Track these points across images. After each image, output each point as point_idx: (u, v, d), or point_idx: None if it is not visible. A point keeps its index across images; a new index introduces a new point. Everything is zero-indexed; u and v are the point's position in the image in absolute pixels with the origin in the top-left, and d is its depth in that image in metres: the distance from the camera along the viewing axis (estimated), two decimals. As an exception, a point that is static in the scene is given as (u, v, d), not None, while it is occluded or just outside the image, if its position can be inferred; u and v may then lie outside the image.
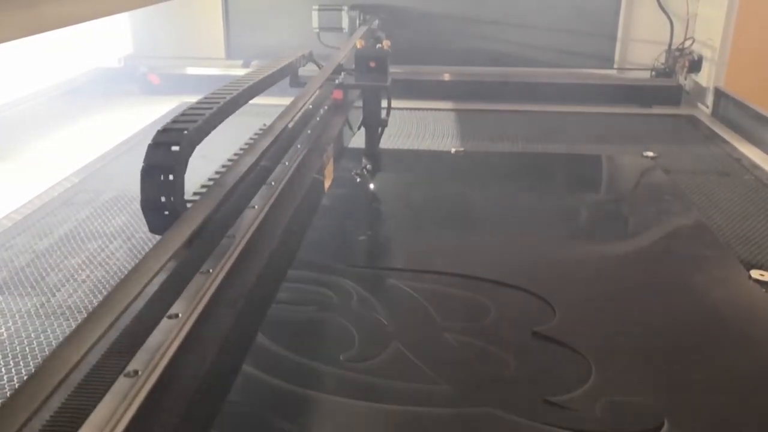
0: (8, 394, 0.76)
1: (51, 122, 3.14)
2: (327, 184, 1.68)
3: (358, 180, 2.26)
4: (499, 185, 2.42)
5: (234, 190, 1.19)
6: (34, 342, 1.42)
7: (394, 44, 3.36)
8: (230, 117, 1.35)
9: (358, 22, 3.53)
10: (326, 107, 1.95)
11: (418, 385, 1.29)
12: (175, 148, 1.07)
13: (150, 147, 1.07)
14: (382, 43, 2.62)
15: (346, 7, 3.58)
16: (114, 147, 2.69)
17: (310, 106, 1.90)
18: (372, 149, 2.30)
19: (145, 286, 0.85)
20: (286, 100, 1.70)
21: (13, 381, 1.31)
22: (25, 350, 1.39)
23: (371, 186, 2.26)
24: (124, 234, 1.93)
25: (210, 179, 1.23)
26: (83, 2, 1.22)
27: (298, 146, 1.56)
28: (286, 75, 1.87)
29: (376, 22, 3.46)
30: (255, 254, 1.11)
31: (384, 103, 2.20)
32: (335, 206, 2.13)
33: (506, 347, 1.40)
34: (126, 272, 0.88)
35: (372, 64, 2.06)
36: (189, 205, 1.11)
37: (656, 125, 3.24)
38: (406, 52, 3.64)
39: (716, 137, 2.97)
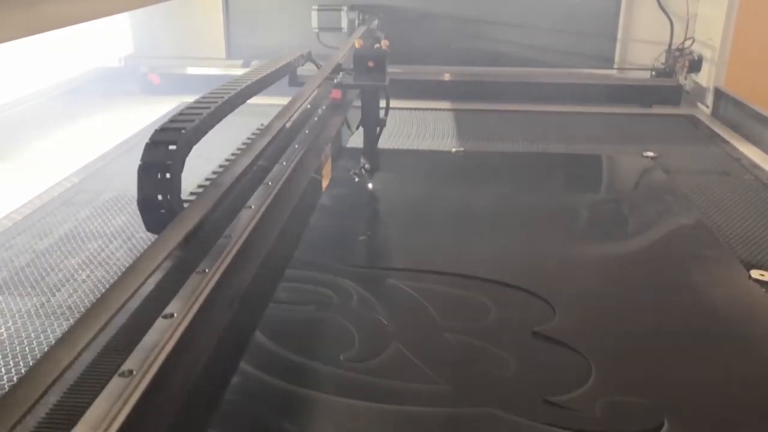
0: (7, 395, 0.76)
1: (51, 122, 3.14)
2: (325, 183, 1.68)
3: (357, 179, 2.26)
4: (499, 185, 2.42)
5: (231, 189, 1.19)
6: (34, 342, 1.42)
7: (394, 44, 3.35)
8: (229, 117, 1.35)
9: (357, 22, 3.53)
10: (324, 107, 1.94)
11: (418, 385, 1.29)
12: (172, 147, 1.07)
13: (147, 146, 1.08)
14: (380, 43, 2.62)
15: (345, 8, 3.58)
16: (114, 147, 2.69)
17: (309, 106, 1.90)
18: (370, 149, 2.30)
19: (140, 286, 0.85)
20: (286, 100, 1.71)
21: (13, 381, 1.31)
22: (25, 350, 1.39)
23: (369, 185, 2.26)
24: (124, 234, 1.93)
25: (207, 179, 1.23)
26: (83, 2, 1.22)
27: (296, 146, 1.56)
28: (285, 75, 1.87)
29: (375, 22, 3.46)
30: (251, 254, 1.11)
31: (382, 103, 2.20)
32: (336, 206, 2.13)
33: (506, 347, 1.40)
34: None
35: (370, 64, 2.06)
36: (186, 204, 1.11)
37: (656, 125, 3.24)
38: (407, 52, 3.64)
39: (716, 137, 2.97)
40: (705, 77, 3.41)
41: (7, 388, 1.27)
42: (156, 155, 1.06)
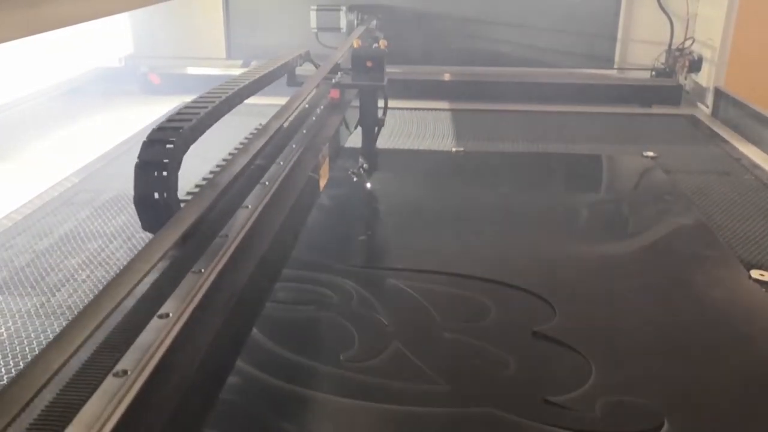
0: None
1: (51, 122, 3.14)
2: (322, 183, 1.67)
3: (355, 179, 2.26)
4: (499, 185, 2.42)
5: (228, 189, 1.19)
6: (34, 342, 1.42)
7: (394, 45, 3.36)
8: (228, 117, 1.35)
9: (356, 22, 3.54)
10: (323, 107, 1.94)
11: (418, 385, 1.29)
12: (169, 145, 1.07)
13: (144, 144, 1.08)
14: (378, 43, 2.62)
15: (344, 8, 3.58)
16: (114, 147, 2.70)
17: (307, 106, 1.90)
18: (369, 148, 2.30)
19: (135, 285, 0.84)
20: (284, 100, 1.70)
21: (13, 381, 1.31)
22: (25, 350, 1.39)
23: (368, 185, 2.26)
24: (124, 234, 1.93)
25: (204, 179, 1.23)
26: (83, 2, 1.22)
27: (293, 146, 1.56)
28: (283, 74, 1.87)
29: (374, 22, 3.46)
30: (248, 254, 1.10)
31: (381, 103, 2.20)
32: (336, 206, 2.13)
33: (506, 347, 1.40)
34: (125, 272, 0.88)
35: (369, 64, 2.06)
36: (182, 204, 1.11)
37: (656, 125, 3.24)
38: (407, 52, 3.65)
39: (716, 137, 2.97)
40: (705, 77, 3.41)
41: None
42: (153, 153, 1.06)
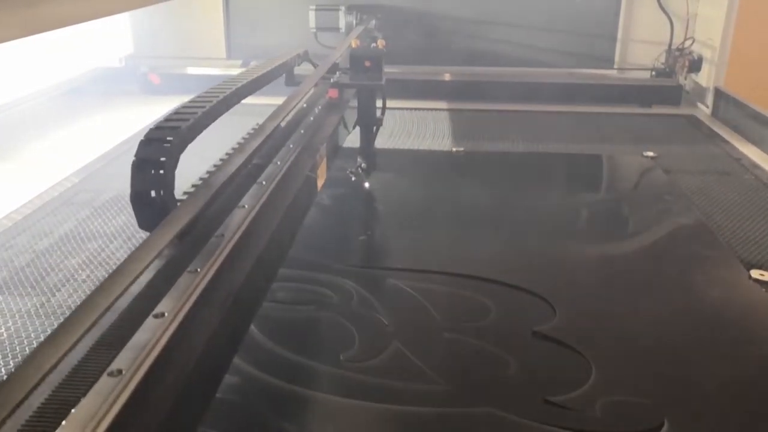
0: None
1: (51, 122, 3.15)
2: (320, 183, 1.67)
3: (353, 179, 2.26)
4: (499, 185, 2.42)
5: (224, 189, 1.19)
6: (34, 342, 1.42)
7: (394, 45, 3.35)
8: (227, 117, 1.35)
9: (354, 22, 3.54)
10: (321, 106, 1.94)
11: (418, 385, 1.29)
12: (166, 144, 1.07)
13: (141, 142, 1.08)
14: (377, 43, 2.62)
15: (343, 8, 3.58)
16: (114, 147, 2.70)
17: (305, 105, 1.90)
18: (367, 148, 2.30)
19: (130, 284, 0.84)
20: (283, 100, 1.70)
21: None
22: (25, 350, 1.39)
23: (366, 184, 2.26)
24: (124, 234, 1.93)
25: (201, 178, 1.23)
26: (83, 2, 1.22)
27: (291, 146, 1.56)
28: (281, 74, 1.87)
29: (373, 22, 3.46)
30: (244, 254, 1.10)
31: (379, 103, 2.20)
32: (336, 206, 2.13)
33: (506, 347, 1.40)
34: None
35: (367, 64, 2.06)
36: (179, 204, 1.11)
37: (656, 125, 3.24)
38: (407, 52, 3.65)
39: (716, 137, 2.97)
40: (705, 77, 3.41)
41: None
42: (150, 151, 1.06)
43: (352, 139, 2.26)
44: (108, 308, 0.79)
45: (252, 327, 1.44)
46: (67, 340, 0.72)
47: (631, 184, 2.55)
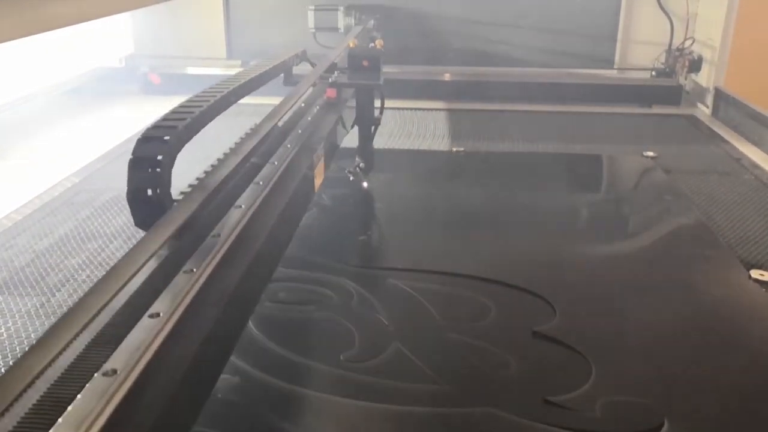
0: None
1: (52, 122, 3.15)
2: (318, 183, 1.67)
3: (351, 178, 2.26)
4: (499, 185, 2.42)
5: (220, 189, 1.18)
6: (34, 342, 1.42)
7: (395, 45, 3.36)
8: (226, 117, 1.35)
9: (353, 22, 3.54)
10: (318, 106, 1.94)
11: (418, 385, 1.29)
12: (163, 142, 1.07)
13: (139, 141, 1.08)
14: (375, 43, 2.62)
15: (342, 8, 3.58)
16: (114, 147, 2.70)
17: (302, 105, 1.90)
18: (365, 148, 2.30)
19: (125, 284, 0.84)
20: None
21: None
22: (25, 350, 1.39)
23: (364, 184, 2.26)
24: (124, 234, 1.93)
25: (197, 178, 1.23)
26: (83, 2, 1.22)
27: (288, 145, 1.55)
28: (279, 74, 1.87)
29: (372, 22, 3.47)
30: (240, 254, 1.10)
31: (377, 102, 2.20)
32: (336, 206, 2.13)
33: (506, 347, 1.40)
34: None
35: (365, 63, 2.06)
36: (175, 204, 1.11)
37: (656, 125, 3.24)
38: (408, 52, 3.65)
39: (716, 137, 2.97)
40: (705, 77, 3.41)
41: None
42: (147, 149, 1.06)
43: (351, 140, 2.26)
44: (103, 308, 0.79)
45: (252, 327, 1.45)
46: (62, 340, 0.72)
47: (631, 184, 2.55)
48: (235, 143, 1.39)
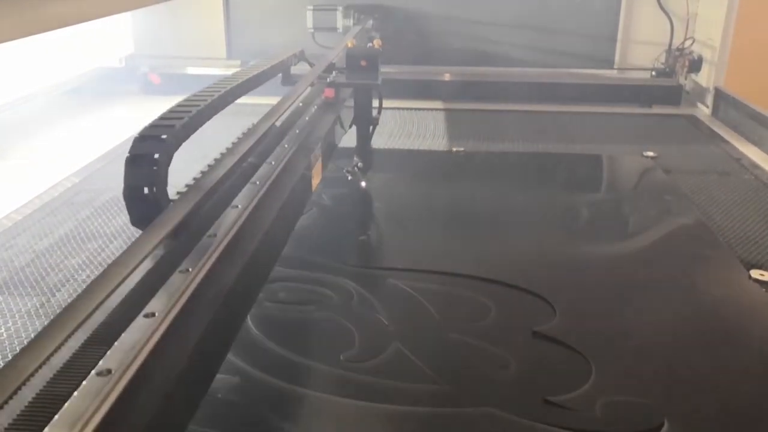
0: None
1: (52, 122, 3.15)
2: (315, 182, 1.67)
3: (350, 178, 2.26)
4: (499, 185, 2.42)
5: (216, 189, 1.18)
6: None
7: (395, 45, 3.36)
8: (225, 117, 1.35)
9: (352, 22, 3.54)
10: (317, 106, 1.94)
11: (418, 385, 1.29)
12: (160, 140, 1.07)
13: (136, 139, 1.08)
14: (373, 42, 2.63)
15: (340, 8, 3.58)
16: (114, 147, 2.70)
17: (300, 104, 1.90)
18: (363, 147, 2.30)
19: (120, 283, 0.83)
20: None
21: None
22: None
23: (363, 183, 2.26)
24: (124, 234, 1.93)
25: (194, 178, 1.22)
26: (83, 2, 1.22)
27: (285, 145, 1.55)
28: (277, 73, 1.87)
29: (370, 22, 3.47)
30: (236, 254, 1.09)
31: (375, 102, 2.20)
32: (336, 206, 2.13)
33: (506, 347, 1.40)
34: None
35: (363, 63, 2.06)
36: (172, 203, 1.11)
37: (656, 125, 3.24)
38: (408, 52, 3.65)
39: (716, 137, 2.97)
40: (705, 77, 3.41)
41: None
42: (144, 148, 1.06)
43: (350, 140, 2.26)
44: (98, 307, 0.78)
45: (252, 327, 1.45)
46: (56, 339, 0.71)
47: (631, 184, 2.55)
48: (233, 143, 1.39)
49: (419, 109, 3.28)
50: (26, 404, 0.69)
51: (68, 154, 2.67)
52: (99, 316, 0.83)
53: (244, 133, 1.44)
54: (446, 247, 1.90)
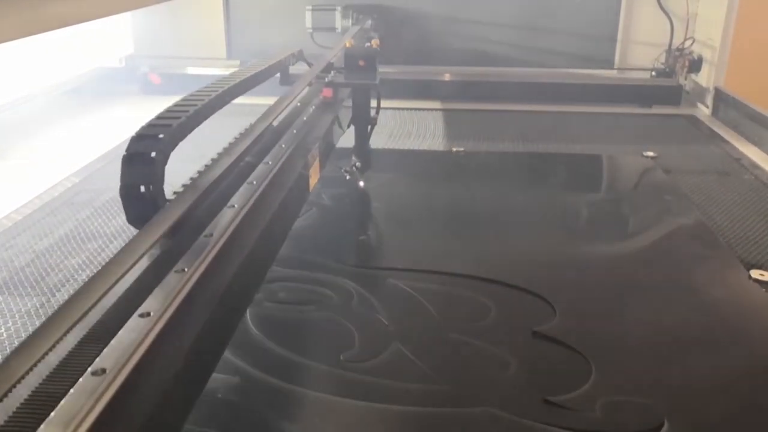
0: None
1: (52, 122, 3.15)
2: (312, 182, 1.67)
3: (348, 177, 2.26)
4: (499, 185, 2.42)
5: (213, 188, 1.18)
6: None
7: (395, 45, 3.36)
8: (223, 117, 1.35)
9: (351, 22, 3.54)
10: (315, 105, 1.94)
11: (418, 385, 1.29)
12: (157, 139, 1.07)
13: (133, 138, 1.08)
14: (371, 42, 2.63)
15: (339, 8, 3.59)
16: (114, 147, 2.70)
17: (298, 104, 1.90)
18: (361, 147, 2.30)
19: (115, 282, 0.83)
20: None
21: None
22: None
23: (361, 183, 2.26)
24: (124, 234, 1.93)
25: (191, 178, 1.22)
26: (83, 2, 1.22)
27: (283, 145, 1.55)
28: (275, 73, 1.87)
29: (369, 22, 3.47)
30: (233, 254, 1.09)
31: (374, 102, 2.20)
32: (337, 206, 2.13)
33: (506, 347, 1.40)
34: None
35: (361, 63, 2.06)
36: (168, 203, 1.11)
37: (656, 125, 3.24)
38: (407, 52, 3.65)
39: (716, 137, 2.97)
40: (705, 77, 3.41)
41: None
42: (140, 146, 1.06)
43: (348, 140, 2.26)
44: (92, 306, 0.78)
45: (252, 327, 1.45)
46: (50, 339, 0.71)
47: (631, 184, 2.55)
48: (230, 143, 1.39)
49: (419, 109, 3.28)
50: (19, 404, 0.69)
51: (68, 154, 2.67)
52: (94, 316, 0.83)
53: (241, 133, 1.44)
54: (446, 247, 1.90)
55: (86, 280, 0.83)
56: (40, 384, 0.72)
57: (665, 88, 3.53)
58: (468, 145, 2.80)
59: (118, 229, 1.96)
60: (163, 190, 1.08)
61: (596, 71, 3.73)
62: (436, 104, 3.39)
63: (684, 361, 1.39)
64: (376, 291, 1.62)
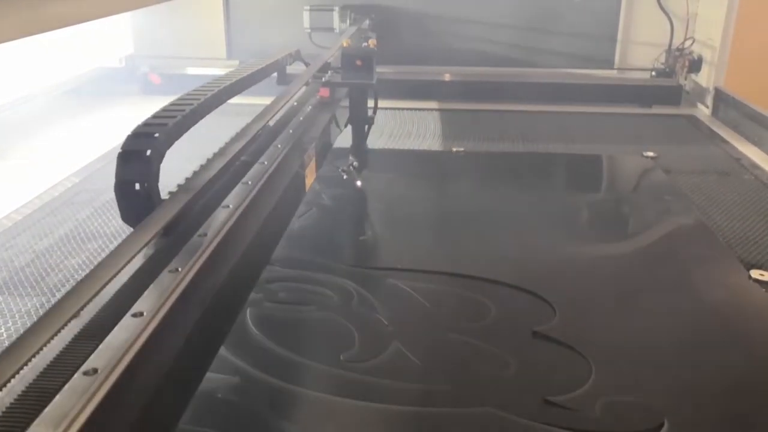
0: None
1: (52, 122, 3.15)
2: (308, 182, 1.67)
3: (345, 177, 2.26)
4: (499, 185, 2.42)
5: (208, 188, 1.18)
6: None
7: (394, 46, 3.36)
8: (223, 116, 1.35)
9: (348, 22, 3.54)
10: (311, 105, 1.94)
11: (418, 385, 1.29)
12: (152, 138, 1.07)
13: (129, 136, 1.08)
14: (368, 42, 2.63)
15: (337, 8, 3.59)
16: (114, 147, 2.69)
17: (295, 104, 1.90)
18: (359, 147, 2.30)
19: (108, 281, 0.83)
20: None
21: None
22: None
23: (358, 183, 2.26)
24: (124, 234, 1.92)
25: (186, 178, 1.22)
26: (83, 2, 1.22)
27: (279, 145, 1.55)
28: (272, 73, 1.87)
29: (367, 22, 3.47)
30: (227, 254, 1.09)
31: (371, 102, 2.20)
32: (336, 206, 2.13)
33: (506, 347, 1.40)
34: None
35: (358, 63, 2.06)
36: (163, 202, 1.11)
37: (656, 125, 3.24)
38: (407, 53, 3.65)
39: (716, 137, 2.97)
40: (705, 77, 3.41)
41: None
42: (136, 144, 1.06)
43: (346, 139, 2.26)
44: (85, 305, 0.78)
45: (252, 327, 1.45)
46: (42, 337, 0.71)
47: (631, 184, 2.55)
48: (225, 143, 1.38)
49: (419, 109, 3.28)
50: (10, 403, 0.68)
51: (68, 154, 2.67)
52: (87, 315, 0.83)
53: (237, 133, 1.44)
54: (446, 247, 1.90)
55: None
56: (32, 382, 0.72)
57: (665, 88, 3.53)
58: (468, 145, 2.80)
59: (118, 229, 1.96)
60: (157, 188, 1.07)
61: (596, 71, 3.73)
62: (436, 104, 3.39)
63: (684, 361, 1.39)
64: (376, 291, 1.62)
